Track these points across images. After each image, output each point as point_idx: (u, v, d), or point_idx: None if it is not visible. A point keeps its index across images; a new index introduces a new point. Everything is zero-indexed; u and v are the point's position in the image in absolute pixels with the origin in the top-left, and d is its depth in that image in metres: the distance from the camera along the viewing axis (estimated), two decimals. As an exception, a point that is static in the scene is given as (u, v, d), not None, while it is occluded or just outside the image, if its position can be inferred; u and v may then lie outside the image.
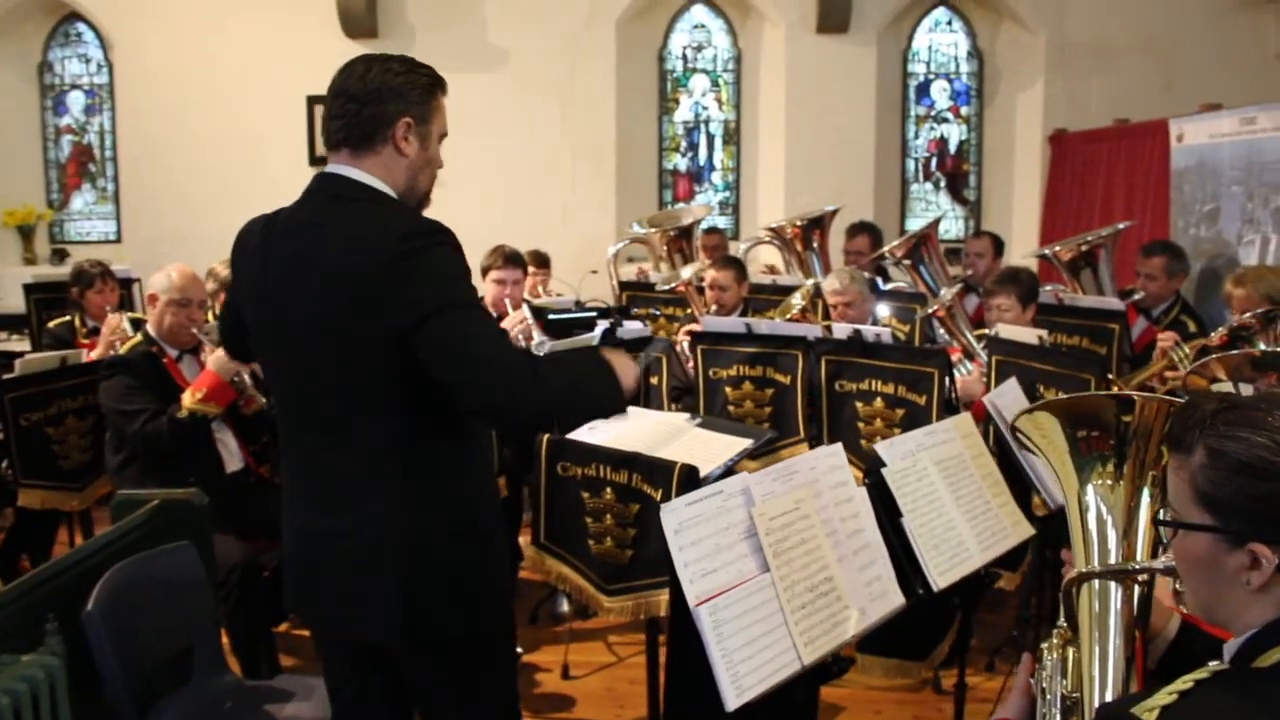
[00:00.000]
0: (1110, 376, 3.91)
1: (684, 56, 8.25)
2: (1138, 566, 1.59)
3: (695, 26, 8.21)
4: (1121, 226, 5.29)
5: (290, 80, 7.52)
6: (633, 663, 4.23)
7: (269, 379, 2.22)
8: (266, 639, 3.64)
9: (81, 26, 8.14)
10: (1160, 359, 4.06)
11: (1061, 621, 1.77)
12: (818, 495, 2.10)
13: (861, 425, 4.02)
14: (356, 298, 1.95)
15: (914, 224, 8.22)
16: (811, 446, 4.20)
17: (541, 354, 4.13)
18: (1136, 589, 1.63)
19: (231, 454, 3.92)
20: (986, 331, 4.65)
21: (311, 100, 7.59)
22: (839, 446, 2.24)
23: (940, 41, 8.15)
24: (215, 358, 3.72)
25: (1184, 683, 1.34)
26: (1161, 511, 1.46)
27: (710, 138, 8.35)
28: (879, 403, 3.95)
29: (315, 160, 7.67)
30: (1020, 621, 4.14)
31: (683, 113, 8.33)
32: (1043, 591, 4.02)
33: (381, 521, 2.04)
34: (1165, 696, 1.33)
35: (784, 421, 4.26)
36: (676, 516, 1.84)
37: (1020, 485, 3.02)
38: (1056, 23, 7.63)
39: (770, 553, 1.93)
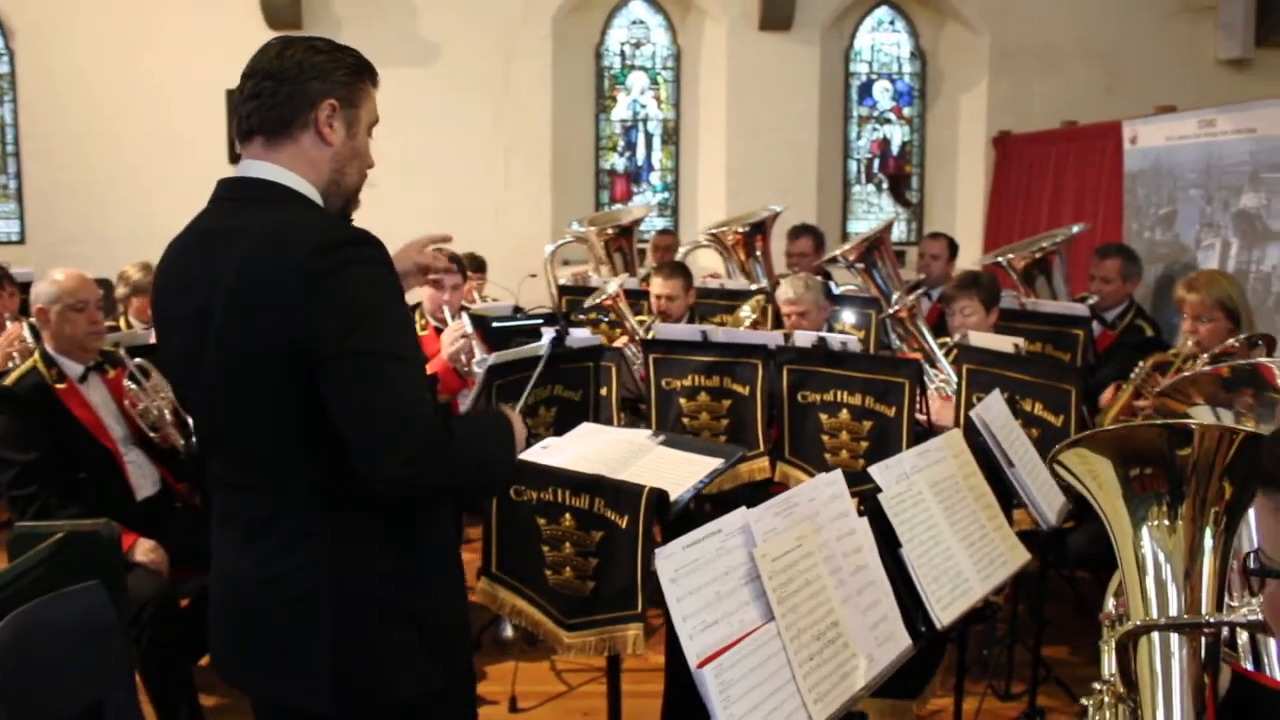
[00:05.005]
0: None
1: (622, 53, 8.03)
2: (1213, 620, 1.39)
3: (634, 22, 8.00)
4: (1075, 230, 5.19)
5: (209, 73, 7.11)
6: (583, 692, 3.99)
7: (190, 409, 1.92)
8: (186, 681, 3.31)
9: (-21, 13, 7.63)
10: (1129, 386, 3.92)
11: (1107, 675, 1.58)
12: (819, 530, 1.88)
13: (826, 439, 3.81)
14: (268, 316, 1.66)
15: (856, 226, 8.11)
16: (772, 461, 4.00)
17: (482, 371, 3.85)
18: (1203, 639, 1.44)
19: (145, 477, 3.57)
20: (947, 340, 4.50)
21: (232, 94, 7.18)
22: (838, 474, 2.02)
23: (883, 41, 8.04)
24: (155, 560, 3.30)
25: None
26: (1250, 557, 1.27)
27: (649, 137, 8.14)
28: (845, 414, 3.76)
29: (235, 159, 7.26)
30: (988, 641, 3.98)
31: (620, 111, 8.10)
32: (1015, 607, 3.88)
33: (313, 568, 1.75)
34: None
35: (742, 434, 4.04)
36: (673, 563, 1.60)
37: (1004, 500, 2.84)
38: (1000, 24, 7.56)
39: (774, 599, 1.70)
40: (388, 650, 1.79)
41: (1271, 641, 1.84)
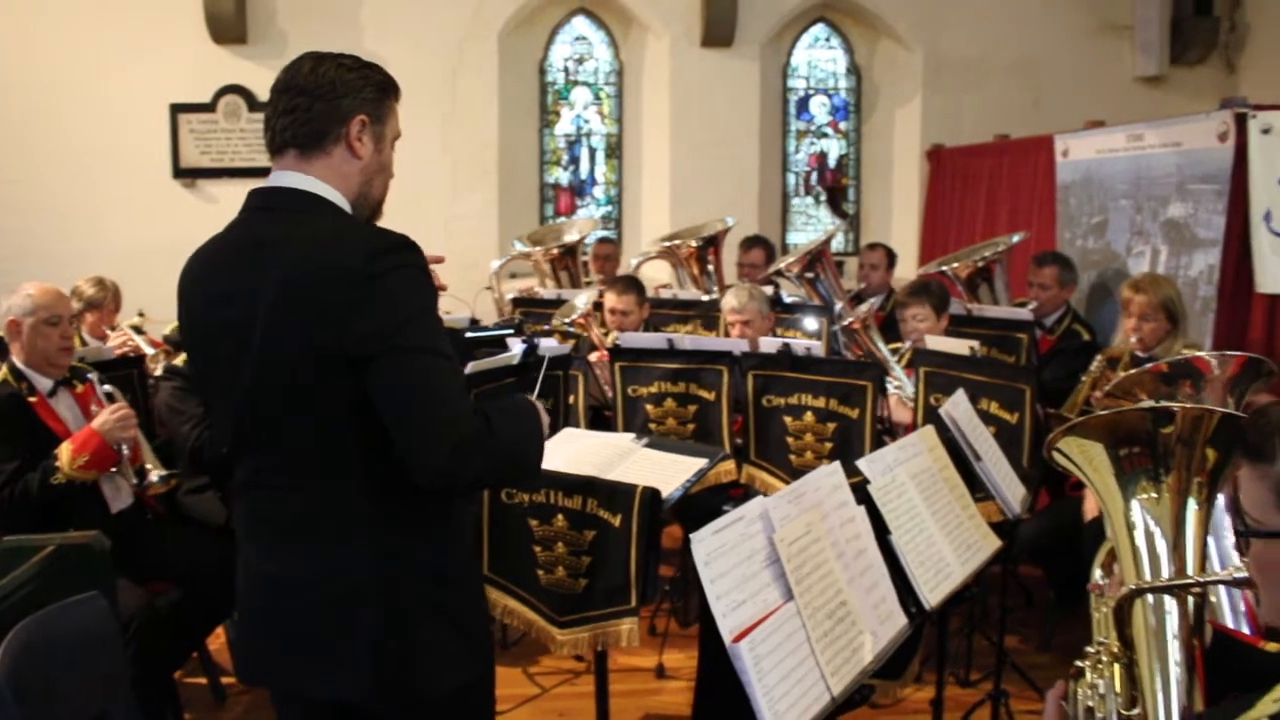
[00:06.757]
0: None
1: (565, 69, 8.13)
2: (1202, 579, 1.55)
3: (576, 39, 8.10)
4: (1015, 239, 5.43)
5: (151, 86, 7.05)
6: (557, 693, 4.07)
7: (220, 419, 1.99)
8: (172, 693, 3.33)
9: (-96, 24, 7.44)
10: (1087, 379, 4.16)
11: (1101, 638, 1.73)
12: (825, 517, 2.02)
13: (791, 441, 3.96)
14: (316, 319, 1.75)
15: (795, 238, 8.31)
16: (738, 465, 4.13)
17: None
18: (1191, 600, 1.60)
19: (118, 490, 3.58)
20: (899, 345, 4.69)
21: (175, 108, 7.13)
22: (837, 465, 2.16)
23: (819, 57, 8.26)
24: (103, 420, 3.35)
25: None
26: (1233, 521, 1.42)
27: (592, 151, 8.24)
28: (809, 417, 3.90)
29: (179, 173, 7.21)
30: (947, 631, 4.15)
31: (564, 126, 8.20)
32: (973, 601, 4.05)
33: (349, 567, 1.84)
34: (1271, 705, 1.30)
35: (708, 439, 4.16)
36: (705, 547, 1.72)
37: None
38: (931, 41, 7.83)
39: (793, 580, 1.83)
40: (426, 644, 1.87)
41: (1224, 592, 2.04)
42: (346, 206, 1.91)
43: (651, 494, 2.66)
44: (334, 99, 1.87)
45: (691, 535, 1.71)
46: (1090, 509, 3.86)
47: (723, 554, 1.74)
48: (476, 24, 7.50)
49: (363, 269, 1.73)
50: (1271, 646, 1.72)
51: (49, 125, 7.07)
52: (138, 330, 5.17)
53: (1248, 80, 7.81)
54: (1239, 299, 4.39)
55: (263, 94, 6.90)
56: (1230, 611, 2.00)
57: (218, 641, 4.12)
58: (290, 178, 1.89)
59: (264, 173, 1.96)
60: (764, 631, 1.70)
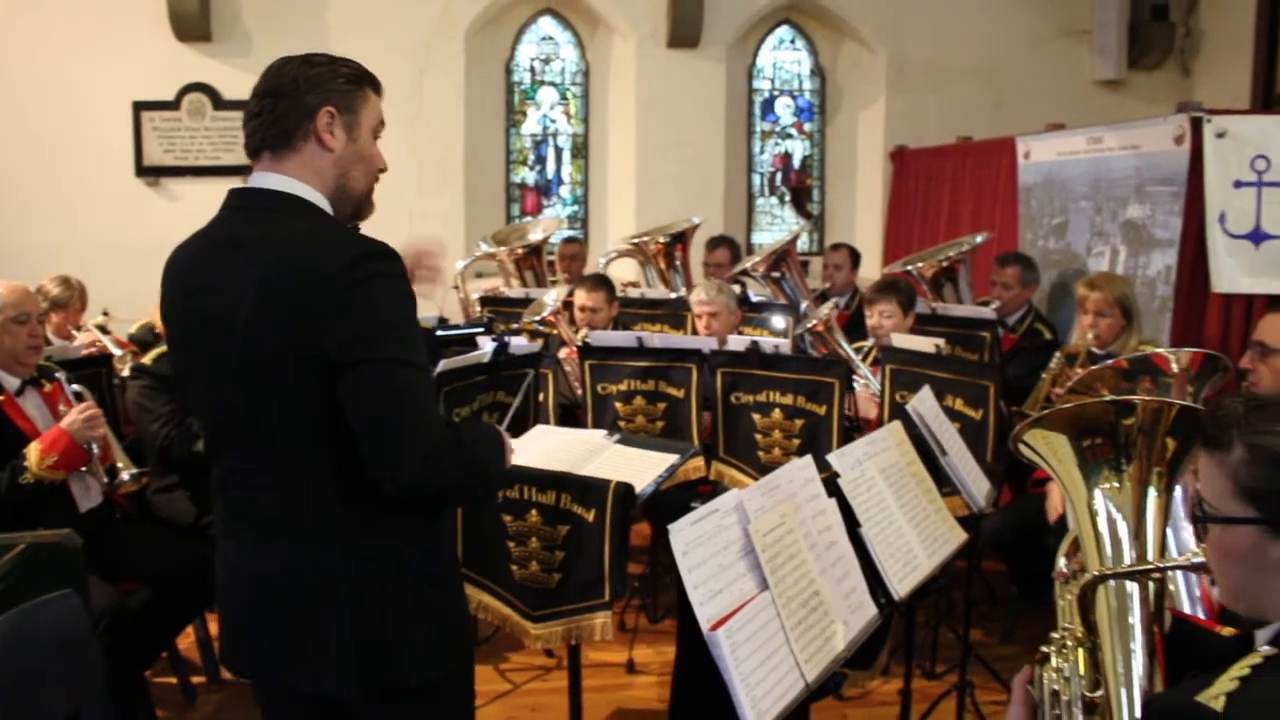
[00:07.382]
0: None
1: (532, 69, 8.14)
2: (1163, 565, 1.61)
3: (543, 39, 8.11)
4: (979, 240, 5.52)
5: (114, 84, 6.97)
6: (528, 689, 4.10)
7: (201, 415, 2.00)
8: (144, 692, 3.32)
9: None
10: (1047, 376, 4.25)
11: (1066, 623, 1.79)
12: (798, 509, 2.06)
13: (759, 438, 4.01)
14: (295, 320, 1.76)
15: (760, 237, 8.38)
16: (707, 461, 4.17)
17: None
18: (1151, 586, 1.66)
19: (87, 489, 3.56)
20: (863, 344, 4.76)
21: (138, 106, 7.06)
22: (809, 459, 2.21)
23: (784, 59, 8.33)
24: (72, 419, 3.33)
25: (1241, 669, 1.36)
26: (1196, 506, 1.48)
27: (559, 151, 8.26)
28: (777, 414, 3.96)
29: (142, 171, 7.14)
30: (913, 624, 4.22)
31: (530, 125, 8.21)
32: (938, 595, 4.12)
33: (330, 562, 1.86)
34: (1227, 683, 1.35)
35: (677, 436, 4.21)
36: (683, 538, 1.75)
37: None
38: (895, 44, 7.92)
39: (768, 569, 1.87)
40: (407, 642, 1.89)
41: (1181, 580, 2.11)
42: (325, 204, 1.92)
43: (625, 489, 2.69)
44: (298, 95, 1.88)
45: (670, 526, 1.75)
46: (1054, 508, 3.94)
47: (700, 544, 1.78)
48: (443, 24, 7.49)
49: (344, 274, 1.74)
50: (1227, 631, 1.78)
51: (10, 122, 6.97)
52: (103, 330, 5.13)
53: (1202, 84, 7.98)
54: (1195, 298, 4.49)
55: (227, 92, 7.08)
56: (1188, 598, 2.06)
57: (187, 640, 4.10)
58: (266, 178, 1.91)
59: (228, 171, 1.99)
60: (740, 620, 1.74)
